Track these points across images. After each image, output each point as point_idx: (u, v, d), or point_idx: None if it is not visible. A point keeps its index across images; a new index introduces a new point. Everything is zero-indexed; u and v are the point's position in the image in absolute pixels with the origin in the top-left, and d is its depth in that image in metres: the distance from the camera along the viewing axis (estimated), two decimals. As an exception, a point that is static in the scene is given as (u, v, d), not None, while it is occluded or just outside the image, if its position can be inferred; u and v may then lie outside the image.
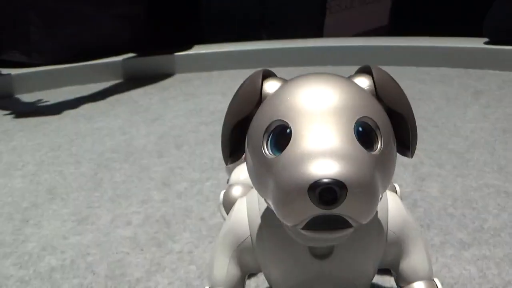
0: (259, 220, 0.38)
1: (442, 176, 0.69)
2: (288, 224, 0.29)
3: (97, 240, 0.59)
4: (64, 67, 1.38)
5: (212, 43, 1.48)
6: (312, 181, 0.27)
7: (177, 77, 1.36)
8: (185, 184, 0.72)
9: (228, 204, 0.50)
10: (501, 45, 1.22)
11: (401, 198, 0.52)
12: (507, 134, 0.82)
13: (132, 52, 1.45)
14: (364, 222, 0.29)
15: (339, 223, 0.28)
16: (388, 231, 0.39)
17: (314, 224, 0.28)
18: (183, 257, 0.55)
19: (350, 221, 0.28)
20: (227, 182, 0.70)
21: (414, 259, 0.39)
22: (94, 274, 0.53)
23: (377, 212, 0.38)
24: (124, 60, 1.41)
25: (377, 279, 0.46)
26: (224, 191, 0.52)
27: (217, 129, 0.93)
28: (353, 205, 0.28)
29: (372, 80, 0.32)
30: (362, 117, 0.30)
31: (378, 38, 1.46)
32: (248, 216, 0.39)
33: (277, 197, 0.29)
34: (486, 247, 0.53)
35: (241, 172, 0.55)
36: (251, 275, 0.46)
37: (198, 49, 1.44)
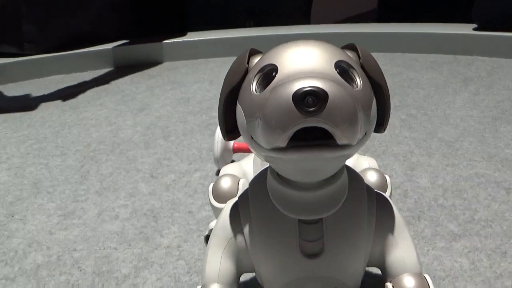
0: (250, 218, 0.38)
1: (432, 165, 0.69)
2: (276, 143, 0.30)
3: (84, 235, 0.58)
4: (48, 56, 1.35)
5: (199, 30, 1.47)
6: (295, 90, 0.29)
7: (164, 65, 1.35)
8: (172, 176, 0.71)
9: (218, 195, 0.50)
10: (490, 31, 1.21)
11: (392, 189, 0.52)
12: (497, 121, 0.82)
13: (119, 40, 1.43)
14: (346, 140, 0.30)
15: (324, 138, 0.30)
16: (376, 226, 0.39)
17: (300, 141, 0.30)
18: (171, 252, 0.54)
19: (334, 134, 0.30)
20: (216, 174, 0.69)
21: (402, 252, 0.39)
22: (81, 270, 0.52)
23: (365, 208, 0.38)
24: (110, 48, 1.38)
25: (366, 275, 0.46)
26: (213, 183, 0.51)
27: (205, 118, 0.92)
28: (335, 115, 0.29)
29: (355, 55, 0.35)
30: (339, 60, 0.32)
31: (365, 24, 1.45)
32: (240, 213, 0.39)
33: (265, 117, 0.30)
34: (477, 238, 0.53)
35: (229, 167, 0.54)
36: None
37: (185, 37, 1.42)
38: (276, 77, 0.32)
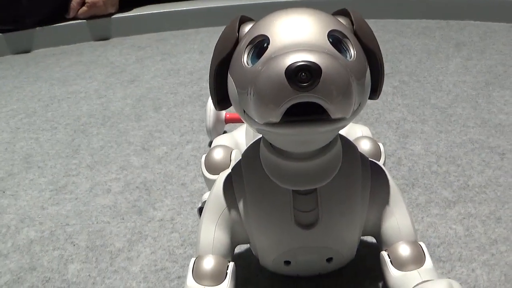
0: (244, 189, 0.38)
1: (426, 132, 0.68)
2: (269, 118, 0.30)
3: (77, 210, 0.58)
4: (36, 29, 1.33)
5: (186, 0, 1.44)
6: (288, 64, 0.28)
7: (153, 36, 1.33)
8: (164, 148, 0.70)
9: (210, 167, 0.50)
10: (482, -5, 1.20)
11: (386, 156, 0.51)
12: (490, 86, 0.82)
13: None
14: (341, 114, 0.30)
15: (317, 112, 0.29)
16: (371, 194, 0.39)
17: (293, 116, 0.29)
18: (164, 225, 0.54)
19: (326, 107, 0.29)
20: (208, 145, 0.69)
21: (397, 220, 0.39)
22: (74, 245, 0.52)
23: (359, 177, 0.38)
24: (96, 20, 1.36)
25: (362, 244, 0.46)
26: (205, 155, 0.51)
27: (196, 89, 0.91)
28: (329, 90, 0.29)
29: (348, 20, 0.34)
30: (332, 30, 0.31)
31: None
32: (234, 185, 0.39)
33: (257, 92, 0.30)
34: (471, 204, 0.53)
35: (222, 138, 0.54)
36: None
37: (172, 7, 1.40)
38: (268, 49, 0.31)
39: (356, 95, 0.30)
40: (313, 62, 0.28)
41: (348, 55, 0.31)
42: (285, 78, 0.28)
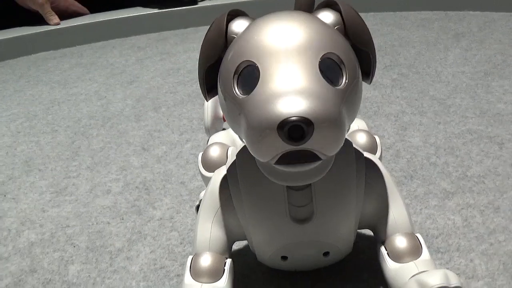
0: (239, 186, 0.38)
1: (424, 124, 0.68)
2: (262, 160, 0.31)
3: (77, 211, 0.58)
4: (36, 32, 1.33)
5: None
6: (280, 120, 0.28)
7: (152, 36, 1.33)
8: (164, 148, 0.71)
9: (207, 164, 0.50)
10: (481, -16, 1.19)
11: (384, 149, 0.51)
12: (489, 77, 0.81)
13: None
14: (331, 154, 0.31)
15: (309, 157, 0.30)
16: (366, 188, 0.39)
17: (286, 159, 0.30)
18: (164, 224, 0.54)
19: (318, 154, 0.30)
20: (207, 143, 0.69)
21: (393, 213, 0.39)
22: (74, 246, 0.52)
23: (354, 171, 0.38)
24: (96, 22, 1.37)
25: (359, 237, 0.46)
26: (202, 152, 0.51)
27: (195, 88, 0.91)
28: (320, 140, 0.29)
29: (337, 15, 0.33)
30: (327, 53, 0.31)
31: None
32: (229, 182, 0.39)
33: (249, 136, 0.30)
34: (470, 195, 0.53)
35: (218, 136, 0.54)
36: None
37: (172, 7, 1.40)
38: (258, 86, 0.30)
39: (347, 124, 0.31)
40: (306, 118, 0.28)
41: (340, 81, 0.31)
42: (277, 133, 0.29)
